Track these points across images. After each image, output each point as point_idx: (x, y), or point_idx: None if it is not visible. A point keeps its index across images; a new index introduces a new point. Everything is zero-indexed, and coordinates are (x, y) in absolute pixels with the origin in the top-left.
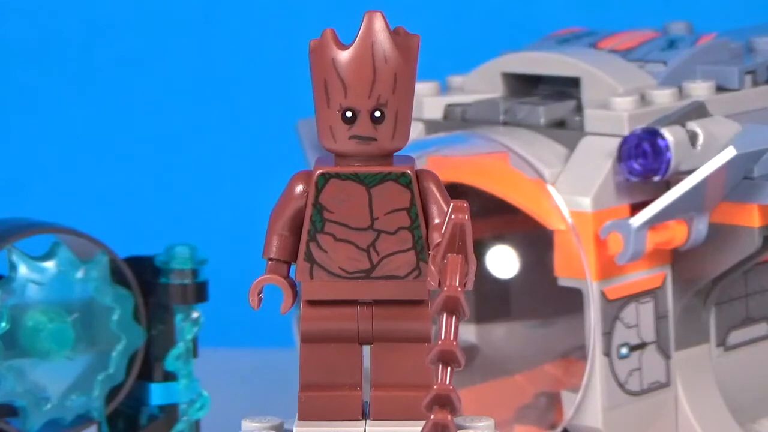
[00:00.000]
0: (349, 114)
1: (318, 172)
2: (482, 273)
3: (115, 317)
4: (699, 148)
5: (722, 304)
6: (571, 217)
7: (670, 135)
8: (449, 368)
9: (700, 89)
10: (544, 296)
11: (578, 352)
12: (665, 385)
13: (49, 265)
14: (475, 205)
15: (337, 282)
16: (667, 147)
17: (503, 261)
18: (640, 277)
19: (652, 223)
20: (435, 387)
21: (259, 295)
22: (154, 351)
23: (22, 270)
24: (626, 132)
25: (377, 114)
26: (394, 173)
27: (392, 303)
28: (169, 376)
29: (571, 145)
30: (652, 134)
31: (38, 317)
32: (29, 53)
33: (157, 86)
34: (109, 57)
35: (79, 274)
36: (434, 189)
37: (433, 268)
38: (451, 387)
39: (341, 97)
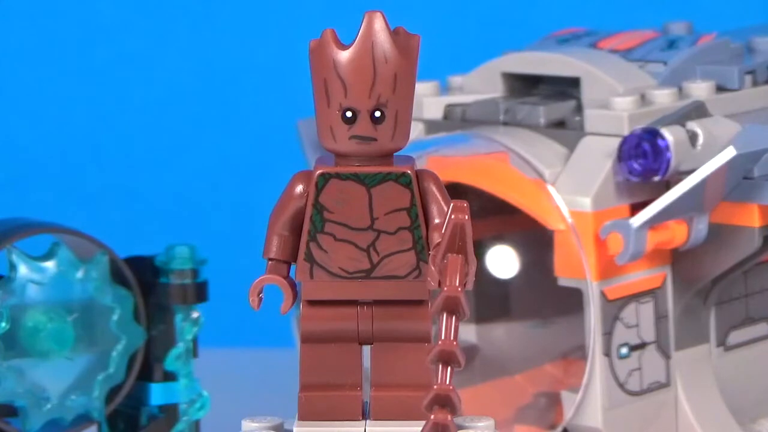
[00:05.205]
0: (349, 114)
1: (318, 172)
2: (482, 273)
3: (115, 317)
4: (699, 148)
5: (722, 304)
6: (571, 217)
7: (670, 135)
8: (449, 368)
9: (700, 89)
10: (544, 296)
11: (578, 352)
12: (665, 385)
13: (49, 265)
14: (475, 205)
15: (337, 282)
16: (667, 147)
17: (503, 261)
18: (640, 277)
19: (652, 223)
20: (435, 387)
21: (259, 295)
22: (154, 351)
23: (22, 270)
24: (626, 132)
25: (377, 114)
26: (394, 173)
27: (392, 303)
28: (169, 376)
29: (571, 145)
30: (652, 134)
31: (38, 317)
32: (29, 53)
33: (157, 86)
34: (109, 57)
35: (79, 274)
36: (434, 189)
37: (433, 268)
38: (451, 387)
39: (341, 97)
